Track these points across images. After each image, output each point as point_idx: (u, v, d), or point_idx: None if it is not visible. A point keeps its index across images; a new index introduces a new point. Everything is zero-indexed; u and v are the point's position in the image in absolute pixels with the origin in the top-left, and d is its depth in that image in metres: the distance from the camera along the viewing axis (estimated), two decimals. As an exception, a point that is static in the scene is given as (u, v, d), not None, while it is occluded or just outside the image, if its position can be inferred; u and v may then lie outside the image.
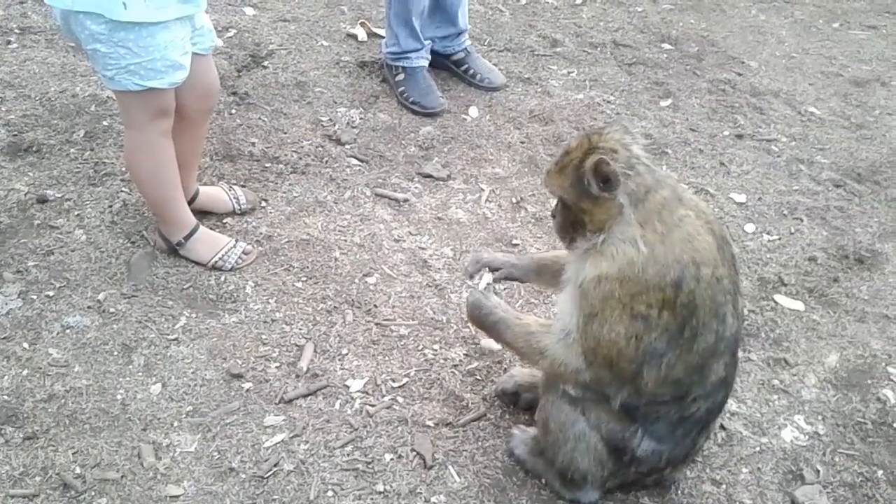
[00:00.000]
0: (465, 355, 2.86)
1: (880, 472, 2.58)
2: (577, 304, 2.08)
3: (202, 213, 3.27)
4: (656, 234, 1.99)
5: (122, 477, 2.38)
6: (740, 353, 2.69)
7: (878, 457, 2.63)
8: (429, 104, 4.18)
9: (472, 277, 2.62)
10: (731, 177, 3.89)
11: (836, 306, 3.19)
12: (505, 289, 3.13)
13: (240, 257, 3.11)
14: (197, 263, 3.09)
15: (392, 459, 2.48)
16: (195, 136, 3.13)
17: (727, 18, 5.54)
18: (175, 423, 2.54)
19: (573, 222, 2.10)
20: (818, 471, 2.56)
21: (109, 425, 2.53)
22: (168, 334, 2.83)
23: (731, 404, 2.68)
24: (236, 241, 3.15)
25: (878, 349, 3.02)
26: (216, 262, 3.08)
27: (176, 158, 2.92)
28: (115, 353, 2.75)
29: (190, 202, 3.18)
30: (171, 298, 2.96)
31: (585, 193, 2.01)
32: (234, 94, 4.07)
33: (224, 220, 3.31)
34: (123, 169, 3.47)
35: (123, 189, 3.41)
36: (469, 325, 2.94)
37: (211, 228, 3.21)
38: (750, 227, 3.56)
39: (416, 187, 3.66)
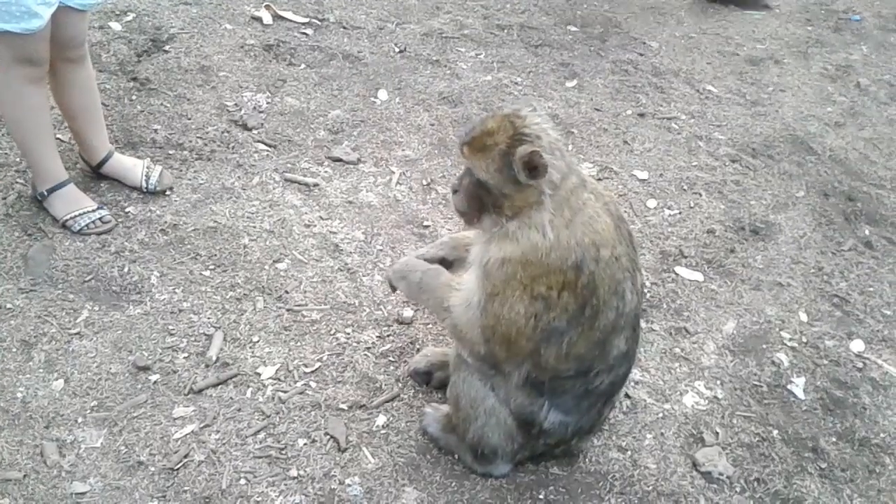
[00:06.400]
0: (378, 337, 2.87)
1: (775, 432, 2.72)
2: (480, 284, 2.12)
3: (111, 181, 3.31)
4: (563, 219, 2.03)
5: (24, 476, 2.31)
6: (643, 325, 2.80)
7: (774, 417, 2.77)
8: None
9: None
10: (634, 154, 4.00)
11: (732, 276, 3.33)
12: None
13: (94, 222, 3.08)
14: (55, 220, 3.10)
15: (305, 444, 2.48)
16: (76, 87, 3.10)
17: (629, 0, 5.67)
18: (79, 419, 2.48)
19: (488, 203, 2.09)
20: (717, 433, 2.68)
21: (10, 424, 2.44)
22: (70, 328, 2.75)
23: (635, 373, 2.78)
24: (100, 207, 3.13)
25: (773, 315, 3.17)
26: (66, 220, 3.06)
27: (72, 113, 3.07)
28: (14, 350, 2.66)
29: (101, 163, 3.24)
30: (72, 291, 2.88)
31: (511, 180, 2.02)
32: (135, 79, 3.95)
33: (127, 210, 3.23)
34: (18, 159, 3.34)
35: (18, 180, 3.27)
36: (382, 306, 2.96)
37: (120, 211, 3.19)
38: (652, 203, 3.68)
39: (325, 171, 3.64)
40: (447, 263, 2.55)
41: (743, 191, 3.84)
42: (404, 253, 3.18)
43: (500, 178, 2.04)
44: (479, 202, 2.12)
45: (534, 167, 1.98)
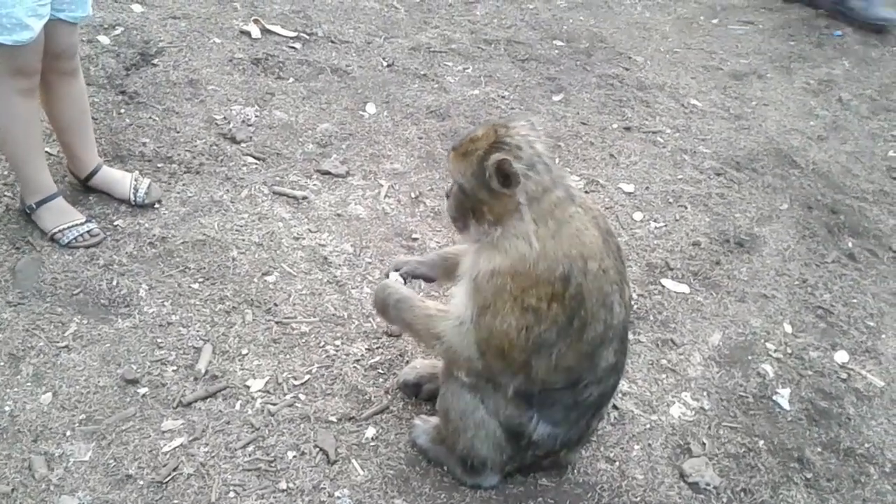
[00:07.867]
0: (367, 350, 2.88)
1: (761, 442, 2.75)
2: (472, 297, 2.14)
3: (100, 194, 3.32)
4: (548, 230, 2.06)
5: (12, 490, 2.30)
6: (630, 336, 2.82)
7: (760, 428, 2.80)
8: None
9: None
10: (620, 168, 4.04)
11: (718, 288, 3.37)
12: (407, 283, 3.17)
13: (82, 235, 3.08)
14: (43, 233, 3.10)
15: (295, 457, 2.48)
16: (67, 100, 3.11)
17: (615, 15, 5.74)
18: (68, 433, 2.47)
19: (469, 209, 2.14)
20: (704, 444, 2.70)
21: (-3, 438, 2.44)
22: (58, 342, 2.74)
23: (623, 385, 2.80)
24: (88, 220, 3.14)
25: (758, 327, 3.21)
26: (55, 233, 3.07)
27: (62, 126, 3.10)
28: (2, 364, 2.65)
29: (89, 176, 3.26)
30: (61, 305, 2.87)
31: (485, 186, 2.06)
32: (123, 93, 3.95)
33: (115, 223, 3.23)
34: (6, 172, 3.34)
35: (6, 193, 3.27)
36: (371, 318, 2.97)
37: (109, 224, 3.19)
38: (638, 216, 3.72)
39: (314, 184, 3.65)
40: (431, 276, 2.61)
41: (728, 204, 3.88)
42: (393, 265, 3.20)
43: (475, 184, 2.09)
44: (462, 207, 2.16)
45: (505, 175, 2.01)
